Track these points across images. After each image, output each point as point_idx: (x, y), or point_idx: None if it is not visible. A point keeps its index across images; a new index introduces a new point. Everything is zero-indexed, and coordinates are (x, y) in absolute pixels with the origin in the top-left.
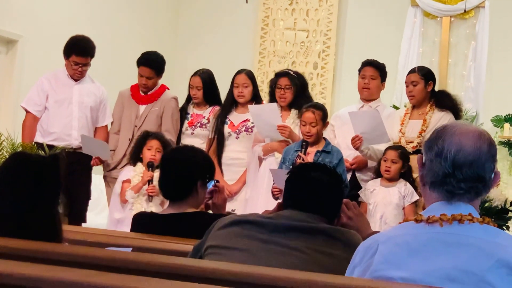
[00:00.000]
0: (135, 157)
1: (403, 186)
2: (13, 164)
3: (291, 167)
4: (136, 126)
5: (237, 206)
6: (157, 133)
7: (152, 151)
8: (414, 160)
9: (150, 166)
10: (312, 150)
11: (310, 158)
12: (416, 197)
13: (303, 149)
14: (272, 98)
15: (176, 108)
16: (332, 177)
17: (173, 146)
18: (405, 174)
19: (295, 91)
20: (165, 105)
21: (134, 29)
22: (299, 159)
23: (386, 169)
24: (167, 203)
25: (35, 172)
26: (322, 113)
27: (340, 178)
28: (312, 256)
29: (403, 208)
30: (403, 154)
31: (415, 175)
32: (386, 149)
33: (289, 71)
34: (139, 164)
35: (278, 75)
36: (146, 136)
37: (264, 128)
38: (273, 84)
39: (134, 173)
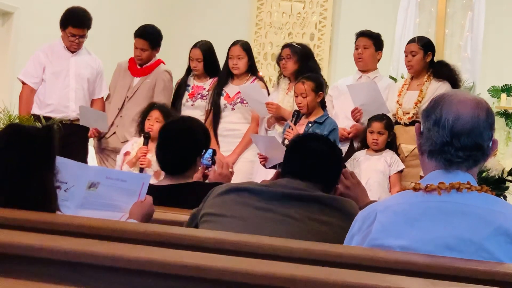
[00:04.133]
0: (141, 129)
1: (389, 155)
2: (7, 136)
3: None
4: (127, 97)
5: (233, 177)
6: (161, 104)
7: (151, 121)
8: (411, 131)
9: (147, 137)
10: (305, 121)
11: (301, 129)
12: (401, 166)
13: (294, 119)
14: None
15: (168, 81)
16: (330, 147)
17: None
18: (391, 143)
19: (298, 61)
20: (157, 77)
21: (131, 1)
22: (289, 128)
23: (373, 141)
24: (162, 174)
25: (28, 143)
26: (314, 83)
27: (338, 149)
28: (308, 224)
29: (389, 177)
30: (388, 124)
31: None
32: (371, 121)
33: (292, 43)
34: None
35: (282, 47)
36: (150, 107)
37: (256, 106)
38: (278, 57)
39: (135, 144)
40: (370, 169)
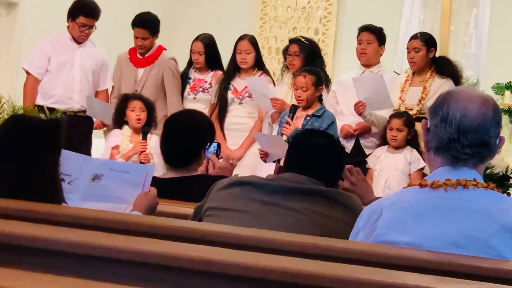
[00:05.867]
0: (119, 121)
1: (409, 153)
2: (12, 127)
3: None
4: (136, 90)
5: (240, 172)
6: (137, 93)
7: (136, 112)
8: (416, 127)
9: (145, 132)
10: (302, 114)
11: (299, 122)
12: (422, 163)
13: (291, 114)
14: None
15: (175, 68)
16: (332, 142)
17: (175, 107)
18: (412, 140)
19: (305, 58)
20: (163, 67)
21: None
22: (286, 124)
23: (392, 138)
24: (160, 168)
25: (35, 134)
26: (315, 77)
27: (340, 144)
28: (311, 217)
29: (409, 175)
30: (408, 121)
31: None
32: (391, 117)
33: (301, 38)
34: (125, 127)
35: (290, 41)
36: (126, 98)
37: (261, 101)
38: (285, 51)
39: (122, 137)
40: (390, 168)
